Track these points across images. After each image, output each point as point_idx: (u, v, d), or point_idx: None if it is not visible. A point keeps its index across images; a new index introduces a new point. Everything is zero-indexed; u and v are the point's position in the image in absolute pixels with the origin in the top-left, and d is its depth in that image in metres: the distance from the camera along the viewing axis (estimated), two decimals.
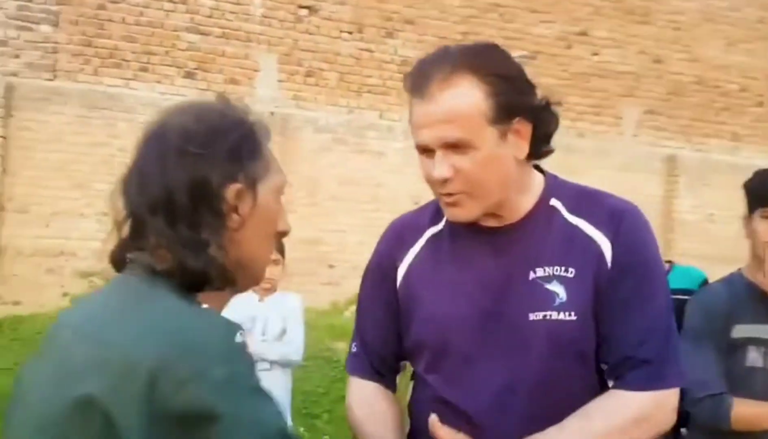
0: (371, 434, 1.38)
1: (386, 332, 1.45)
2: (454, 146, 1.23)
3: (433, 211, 1.44)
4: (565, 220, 1.33)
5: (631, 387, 1.25)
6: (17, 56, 7.20)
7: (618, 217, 1.31)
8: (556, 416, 1.23)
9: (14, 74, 7.14)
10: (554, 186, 1.38)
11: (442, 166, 1.24)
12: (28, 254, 7.02)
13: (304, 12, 8.09)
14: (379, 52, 8.35)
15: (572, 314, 1.25)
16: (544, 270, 1.28)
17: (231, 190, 0.97)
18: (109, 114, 7.29)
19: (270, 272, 2.95)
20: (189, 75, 7.69)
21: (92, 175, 7.22)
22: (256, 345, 3.01)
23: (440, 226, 1.42)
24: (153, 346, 0.86)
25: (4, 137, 6.93)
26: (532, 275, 1.29)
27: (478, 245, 1.34)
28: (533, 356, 1.26)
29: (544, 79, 8.87)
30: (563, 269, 1.28)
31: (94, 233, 7.21)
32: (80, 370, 0.89)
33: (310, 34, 8.08)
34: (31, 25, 7.23)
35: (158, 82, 7.57)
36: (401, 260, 1.42)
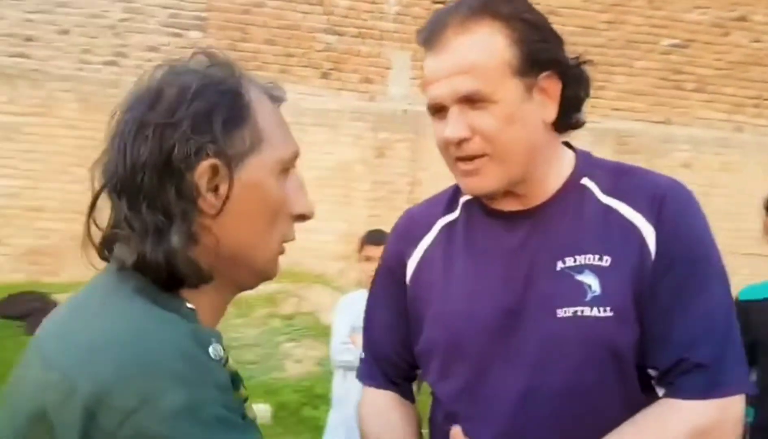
0: None
1: (397, 338, 1.29)
2: (471, 101, 1.07)
3: (448, 199, 1.28)
4: (599, 201, 1.14)
5: (686, 395, 1.05)
6: None
7: (660, 197, 1.11)
8: (586, 433, 1.05)
9: None
10: (586, 163, 1.20)
11: (458, 124, 1.07)
12: None
13: (438, 8, 8.00)
14: None
15: (608, 309, 1.06)
16: (575, 259, 1.10)
17: (201, 168, 0.79)
18: None
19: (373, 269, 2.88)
20: (325, 75, 7.85)
21: None
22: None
23: (455, 214, 1.25)
24: (95, 367, 0.71)
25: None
26: (560, 265, 1.11)
27: (497, 232, 1.17)
28: (561, 360, 1.08)
29: (697, 69, 8.28)
30: (597, 257, 1.09)
31: None
32: (30, 390, 0.76)
33: None
34: (181, 31, 7.68)
35: (296, 83, 7.78)
36: (410, 256, 1.26)
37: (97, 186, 0.82)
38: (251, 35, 7.76)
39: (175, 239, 0.78)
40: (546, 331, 1.09)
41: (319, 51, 7.84)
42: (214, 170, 0.80)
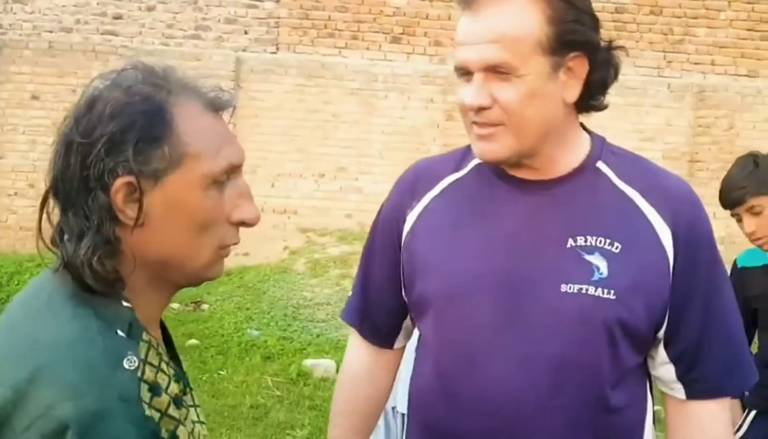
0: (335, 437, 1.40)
1: (386, 286, 1.32)
2: (497, 71, 1.07)
3: (459, 156, 1.28)
4: (614, 186, 1.16)
5: (710, 394, 1.17)
6: (246, 32, 7.98)
7: (676, 198, 1.16)
8: (576, 404, 1.12)
9: (243, 49, 7.93)
10: (601, 148, 1.20)
11: (480, 92, 1.08)
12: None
13: None
14: None
15: (611, 292, 1.10)
16: (586, 239, 1.12)
17: (116, 186, 0.83)
18: (322, 82, 7.83)
19: None
20: (395, 40, 7.94)
21: (310, 140, 7.85)
22: None
23: (464, 171, 1.25)
24: (10, 373, 0.77)
25: (235, 107, 7.74)
26: (570, 243, 1.12)
27: (508, 196, 1.18)
28: (560, 332, 1.11)
29: None
30: (608, 242, 1.12)
31: (312, 192, 7.88)
32: None
33: None
34: (256, 2, 7.96)
35: (367, 48, 7.93)
36: (412, 208, 1.26)
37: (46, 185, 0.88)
38: (323, 3, 7.94)
39: (84, 248, 0.82)
40: (549, 302, 1.11)
41: (389, 16, 7.93)
42: (131, 187, 0.83)
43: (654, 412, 1.25)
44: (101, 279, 0.83)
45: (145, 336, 0.85)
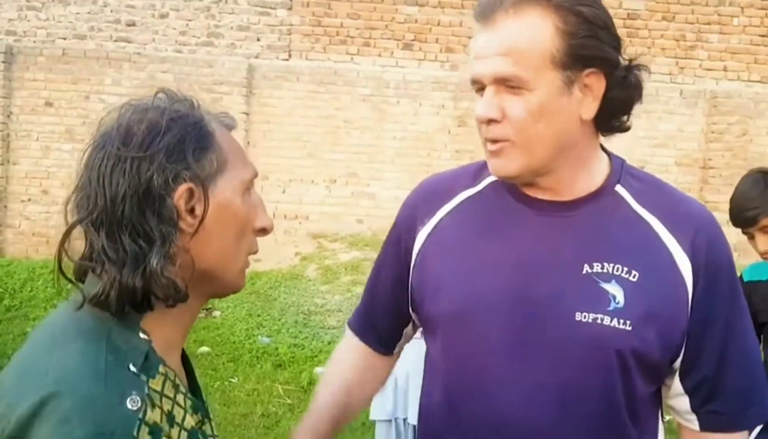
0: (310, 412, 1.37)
1: (392, 301, 1.32)
2: (508, 84, 1.06)
3: (474, 171, 1.25)
4: (633, 212, 1.13)
5: (725, 428, 1.15)
6: (258, 39, 8.01)
7: (695, 227, 1.12)
8: (591, 426, 1.10)
9: (255, 56, 7.97)
10: (621, 170, 1.17)
11: (490, 105, 1.07)
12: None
13: None
14: None
15: (627, 323, 1.06)
16: (602, 266, 1.09)
17: (179, 192, 0.86)
18: (334, 88, 7.84)
19: None
20: (407, 46, 7.95)
21: (321, 146, 7.86)
22: None
23: (479, 187, 1.23)
24: (22, 402, 0.79)
25: (247, 113, 7.80)
26: (586, 269, 1.09)
27: (523, 217, 1.15)
28: (573, 362, 1.08)
29: None
30: (626, 270, 1.09)
31: (323, 198, 7.89)
32: None
33: None
34: (269, 10, 7.99)
35: (379, 55, 7.94)
36: (423, 224, 1.24)
37: (70, 220, 0.88)
38: (335, 10, 7.96)
39: (155, 262, 0.83)
40: (562, 330, 1.08)
41: (400, 22, 7.94)
42: (191, 193, 0.87)
43: (666, 422, 1.23)
44: (174, 289, 0.86)
45: (161, 368, 0.86)
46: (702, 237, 1.11)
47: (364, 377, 1.42)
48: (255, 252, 0.97)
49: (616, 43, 1.09)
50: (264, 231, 0.97)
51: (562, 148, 1.10)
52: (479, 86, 1.10)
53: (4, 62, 7.70)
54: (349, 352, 1.44)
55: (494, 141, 1.10)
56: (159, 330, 0.88)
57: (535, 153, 1.09)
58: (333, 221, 7.89)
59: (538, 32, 1.05)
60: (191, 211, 0.88)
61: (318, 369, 5.16)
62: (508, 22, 1.06)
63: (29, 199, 7.81)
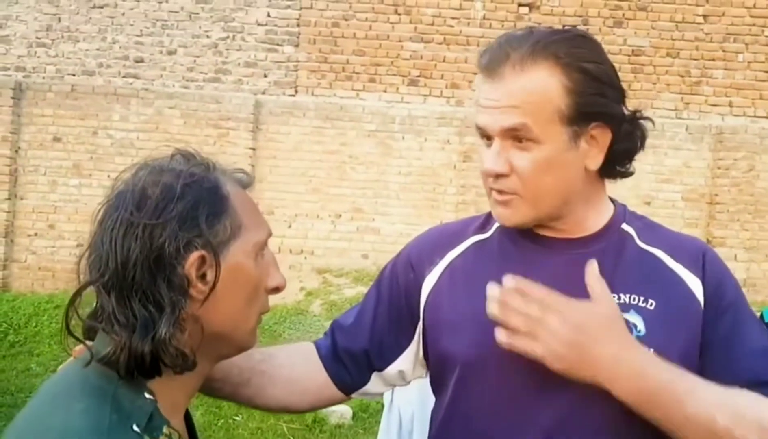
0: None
1: (372, 335, 1.27)
2: (516, 137, 1.08)
3: (483, 220, 1.27)
4: (640, 247, 1.17)
5: (753, 385, 1.09)
6: (265, 75, 8.09)
7: (702, 253, 1.17)
8: None
9: (262, 92, 8.04)
10: (624, 212, 1.23)
11: (498, 158, 1.09)
12: (274, 251, 7.86)
13: (524, 10, 7.99)
14: (606, 44, 7.94)
15: (651, 351, 1.06)
16: (619, 297, 1.10)
17: (190, 260, 0.86)
18: (340, 124, 7.89)
19: None
20: (412, 82, 8.01)
21: (326, 181, 7.88)
22: None
23: (488, 233, 1.24)
24: None
25: (253, 149, 7.84)
26: None
27: (535, 255, 1.16)
28: (599, 396, 1.04)
29: None
30: (642, 299, 1.11)
31: (328, 233, 7.88)
32: None
33: None
34: (276, 46, 8.08)
35: (384, 91, 8.00)
36: (434, 263, 1.24)
37: (83, 280, 0.88)
38: (341, 47, 8.05)
39: (164, 330, 0.83)
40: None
41: (405, 59, 8.01)
42: (202, 260, 0.87)
43: None
44: (182, 356, 0.85)
45: (165, 429, 0.84)
46: (704, 256, 1.17)
47: (305, 393, 1.29)
48: (267, 311, 0.97)
49: (620, 97, 1.13)
50: (277, 290, 0.97)
51: (568, 197, 1.13)
52: (486, 136, 1.12)
53: (13, 97, 7.78)
54: (307, 362, 1.30)
55: (503, 192, 1.12)
56: (165, 392, 0.87)
57: (542, 205, 1.12)
58: (338, 255, 7.87)
59: (546, 88, 1.07)
60: (203, 277, 0.87)
61: (323, 409, 5.10)
62: (516, 77, 1.07)
63: (36, 234, 7.82)
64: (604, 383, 1.02)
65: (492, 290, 1.05)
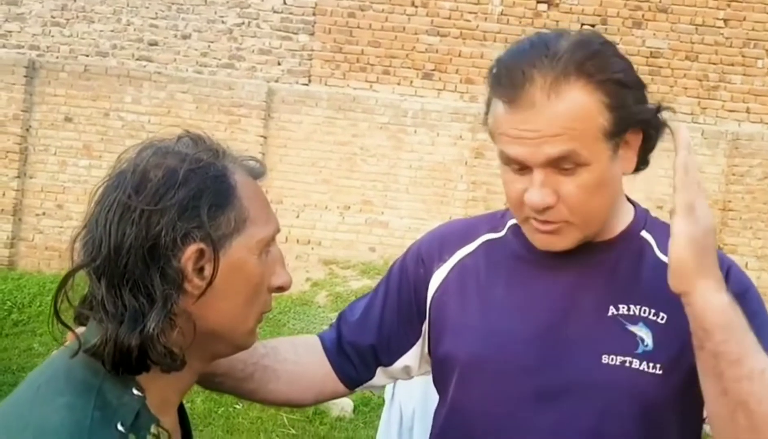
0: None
1: (380, 330, 1.25)
2: (559, 165, 1.02)
3: (496, 218, 1.24)
4: (658, 257, 1.11)
5: None
6: (279, 63, 8.04)
7: (725, 268, 1.07)
8: None
9: (275, 80, 7.99)
10: (645, 219, 1.18)
11: (544, 190, 1.02)
12: (281, 240, 7.84)
13: (543, 7, 7.90)
14: (624, 44, 7.85)
15: (657, 366, 1.04)
16: (629, 308, 1.07)
17: (187, 253, 0.79)
18: (352, 115, 7.84)
19: None
20: (426, 76, 7.95)
21: (336, 172, 7.84)
22: None
23: (501, 233, 1.21)
24: None
25: (264, 137, 7.80)
26: (612, 311, 1.07)
27: (548, 259, 1.12)
28: (599, 406, 1.04)
29: None
30: (653, 312, 1.07)
31: (336, 225, 7.84)
32: None
33: (549, 29, 7.88)
34: (291, 34, 8.03)
35: (398, 83, 7.94)
36: (443, 261, 1.22)
37: (77, 260, 0.82)
38: (356, 37, 7.99)
39: (152, 325, 0.77)
40: (588, 373, 1.06)
41: (421, 52, 7.95)
42: (200, 253, 0.81)
43: None
44: (170, 354, 0.79)
45: (153, 429, 0.79)
46: (728, 271, 1.10)
47: (310, 386, 1.27)
48: (269, 311, 0.91)
49: (645, 95, 1.09)
50: (281, 289, 0.91)
51: (611, 210, 1.11)
52: (519, 166, 1.05)
53: (26, 76, 7.76)
54: (312, 357, 1.28)
55: (549, 222, 1.06)
56: (155, 388, 0.82)
57: (593, 225, 1.09)
58: (345, 247, 7.84)
59: (586, 109, 1.01)
60: (200, 271, 0.81)
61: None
62: (551, 102, 1.00)
63: (44, 213, 7.82)
64: (694, 295, 0.96)
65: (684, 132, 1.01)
